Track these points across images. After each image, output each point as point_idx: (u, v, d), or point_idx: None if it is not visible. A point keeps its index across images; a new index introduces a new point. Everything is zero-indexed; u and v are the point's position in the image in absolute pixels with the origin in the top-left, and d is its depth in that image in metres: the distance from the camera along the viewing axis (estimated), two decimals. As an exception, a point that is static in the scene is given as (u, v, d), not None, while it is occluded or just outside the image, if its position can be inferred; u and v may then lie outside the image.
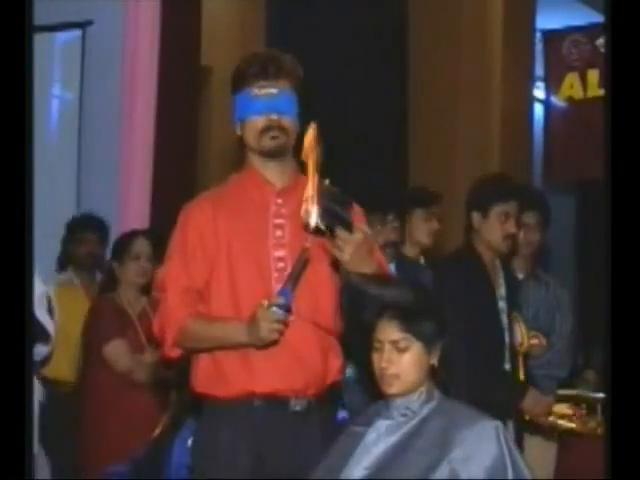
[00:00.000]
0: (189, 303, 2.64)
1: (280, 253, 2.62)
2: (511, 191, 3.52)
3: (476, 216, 3.48)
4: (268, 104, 2.63)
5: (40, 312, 3.66)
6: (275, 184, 2.68)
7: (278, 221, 2.65)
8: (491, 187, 3.54)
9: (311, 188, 2.39)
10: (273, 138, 2.63)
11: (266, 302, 2.46)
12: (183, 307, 2.63)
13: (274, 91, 2.64)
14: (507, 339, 3.44)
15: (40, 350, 3.75)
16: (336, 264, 2.55)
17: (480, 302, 3.35)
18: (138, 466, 3.27)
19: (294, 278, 2.50)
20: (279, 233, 2.64)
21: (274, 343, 2.54)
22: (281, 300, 2.46)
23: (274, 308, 2.45)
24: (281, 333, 2.51)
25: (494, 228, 3.46)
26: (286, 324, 2.50)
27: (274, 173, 2.68)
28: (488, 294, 3.42)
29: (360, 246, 2.46)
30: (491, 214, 3.46)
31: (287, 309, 2.48)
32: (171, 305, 2.64)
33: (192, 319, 2.62)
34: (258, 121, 2.64)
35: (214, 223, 2.64)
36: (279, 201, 2.67)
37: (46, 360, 3.90)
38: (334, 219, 2.43)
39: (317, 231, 2.45)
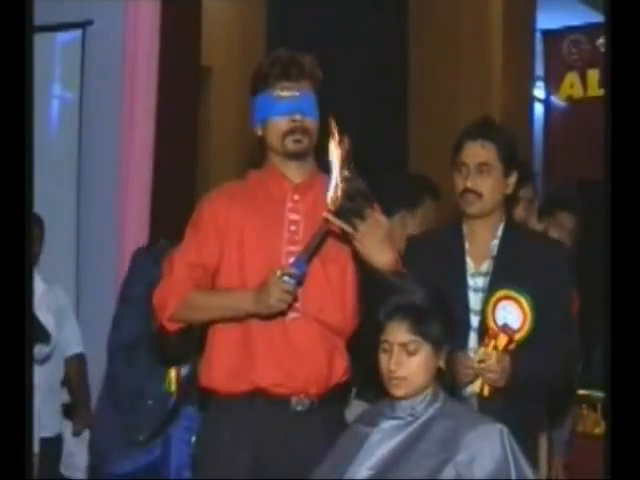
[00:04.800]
0: (194, 277, 2.66)
1: (292, 249, 2.63)
2: (469, 135, 2.88)
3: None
4: (292, 105, 2.65)
5: (40, 312, 3.67)
6: (293, 180, 2.70)
7: (293, 217, 2.67)
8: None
9: (337, 174, 2.44)
10: (297, 142, 2.66)
11: (279, 270, 2.47)
12: (188, 279, 2.65)
13: (297, 92, 2.66)
14: (477, 319, 2.82)
15: (40, 350, 3.77)
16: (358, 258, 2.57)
17: (445, 279, 2.73)
18: (138, 466, 3.27)
19: (310, 250, 2.51)
20: (293, 228, 2.66)
21: (280, 314, 2.55)
22: (294, 270, 2.47)
23: (286, 277, 2.46)
24: (289, 305, 2.52)
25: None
26: (295, 297, 2.51)
27: (293, 171, 2.71)
28: (454, 271, 2.87)
29: (373, 234, 2.48)
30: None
31: (299, 281, 2.48)
32: (176, 276, 2.66)
33: (196, 290, 2.64)
34: (281, 122, 2.66)
35: (228, 207, 2.67)
36: (296, 197, 2.69)
37: (46, 360, 3.92)
38: (351, 205, 2.46)
39: (336, 215, 2.47)
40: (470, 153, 2.87)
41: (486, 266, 2.88)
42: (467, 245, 2.92)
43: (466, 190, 2.86)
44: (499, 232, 2.91)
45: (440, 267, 2.82)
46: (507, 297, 2.76)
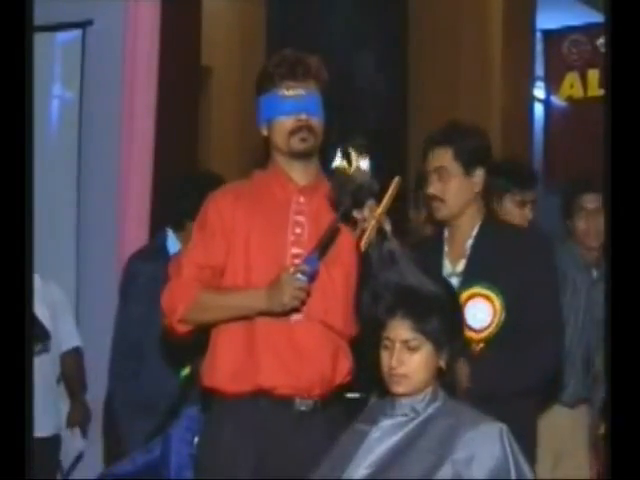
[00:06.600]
0: (203, 278, 2.66)
1: (297, 250, 2.63)
2: (427, 142, 2.97)
3: None
4: (297, 104, 2.65)
5: (38, 310, 3.67)
6: (298, 182, 2.70)
7: (298, 218, 2.67)
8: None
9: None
10: (302, 140, 2.65)
11: (292, 268, 2.48)
12: (197, 281, 2.65)
13: (303, 92, 2.66)
14: None
15: (38, 348, 3.77)
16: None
17: None
18: (138, 466, 3.27)
19: (321, 247, 2.52)
20: (298, 230, 2.66)
21: (293, 311, 2.55)
22: (306, 267, 2.48)
23: (299, 275, 2.47)
24: (302, 302, 2.52)
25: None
26: (308, 293, 2.52)
27: (298, 172, 2.71)
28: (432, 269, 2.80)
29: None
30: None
31: (311, 277, 2.49)
32: (185, 278, 2.66)
33: (205, 291, 2.64)
34: (287, 122, 2.66)
35: (233, 208, 2.67)
36: (301, 199, 2.69)
37: (41, 353, 3.91)
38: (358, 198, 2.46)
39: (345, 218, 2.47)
40: (428, 160, 2.92)
41: (461, 266, 2.90)
42: (446, 248, 2.95)
43: (429, 197, 2.91)
44: (474, 231, 2.92)
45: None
46: (477, 295, 2.79)
